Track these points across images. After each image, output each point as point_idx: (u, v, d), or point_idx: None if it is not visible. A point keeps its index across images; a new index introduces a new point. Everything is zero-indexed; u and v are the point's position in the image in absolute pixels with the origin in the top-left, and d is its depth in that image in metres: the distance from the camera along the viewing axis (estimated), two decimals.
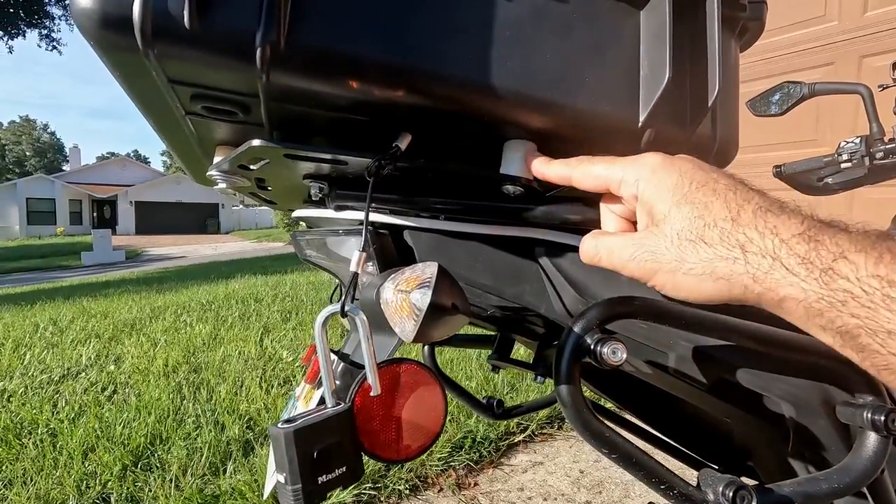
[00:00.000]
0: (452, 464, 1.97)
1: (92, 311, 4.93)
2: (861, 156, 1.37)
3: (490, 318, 0.56)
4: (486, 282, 0.49)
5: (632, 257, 0.34)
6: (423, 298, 0.32)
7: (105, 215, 38.97)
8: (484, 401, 0.83)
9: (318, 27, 0.34)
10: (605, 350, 0.34)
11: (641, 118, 0.43)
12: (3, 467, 1.89)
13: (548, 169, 0.40)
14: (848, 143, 1.39)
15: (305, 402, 0.47)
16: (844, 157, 1.40)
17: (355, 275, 0.37)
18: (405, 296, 0.33)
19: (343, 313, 0.37)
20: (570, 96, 0.41)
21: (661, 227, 0.33)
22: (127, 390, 2.66)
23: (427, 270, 0.33)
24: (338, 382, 0.40)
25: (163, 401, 2.42)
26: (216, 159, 0.49)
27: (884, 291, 0.25)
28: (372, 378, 0.37)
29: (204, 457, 1.92)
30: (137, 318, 4.46)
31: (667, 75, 0.41)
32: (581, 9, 0.42)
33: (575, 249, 0.48)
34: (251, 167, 0.45)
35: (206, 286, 6.60)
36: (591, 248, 0.37)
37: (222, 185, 0.48)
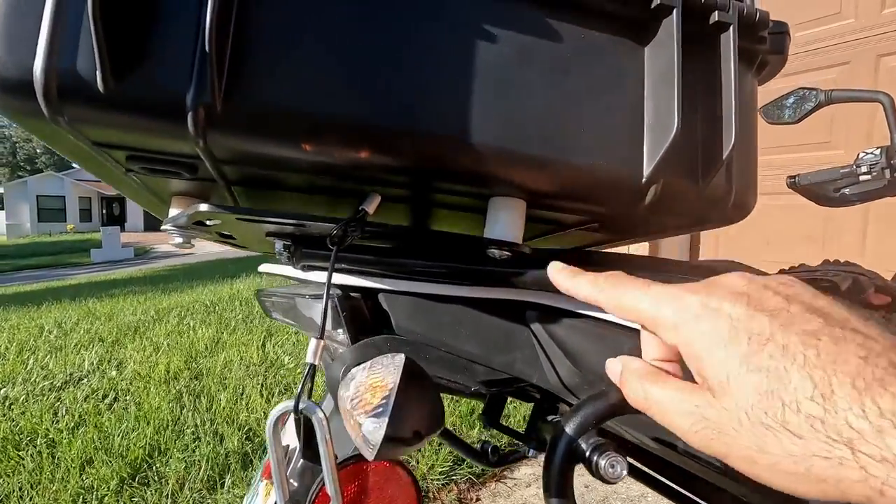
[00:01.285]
0: (454, 478, 1.93)
1: (97, 312, 4.93)
2: (882, 168, 1.30)
3: (476, 394, 0.51)
4: (472, 350, 0.43)
5: (692, 429, 0.25)
6: (376, 432, 0.26)
7: (114, 212, 39.35)
8: (478, 447, 0.78)
9: (261, 83, 0.29)
10: (603, 462, 0.29)
11: (646, 173, 0.37)
12: (1, 481, 1.88)
13: (572, 284, 0.31)
14: (867, 154, 1.32)
15: (265, 497, 0.42)
16: (864, 168, 1.32)
17: (312, 367, 0.31)
18: (358, 425, 0.28)
19: (297, 412, 0.32)
20: (561, 151, 0.35)
21: (720, 399, 0.24)
22: (127, 398, 2.64)
23: (388, 379, 0.28)
24: (295, 484, 0.35)
25: (162, 410, 2.40)
26: (172, 211, 0.44)
27: None
28: (331, 486, 0.32)
29: (202, 470, 1.89)
30: (141, 320, 4.45)
31: (676, 124, 0.35)
32: (576, 47, 0.36)
33: (571, 314, 0.42)
34: (207, 223, 0.40)
35: (211, 286, 6.60)
36: (640, 395, 0.28)
37: (179, 240, 0.43)
